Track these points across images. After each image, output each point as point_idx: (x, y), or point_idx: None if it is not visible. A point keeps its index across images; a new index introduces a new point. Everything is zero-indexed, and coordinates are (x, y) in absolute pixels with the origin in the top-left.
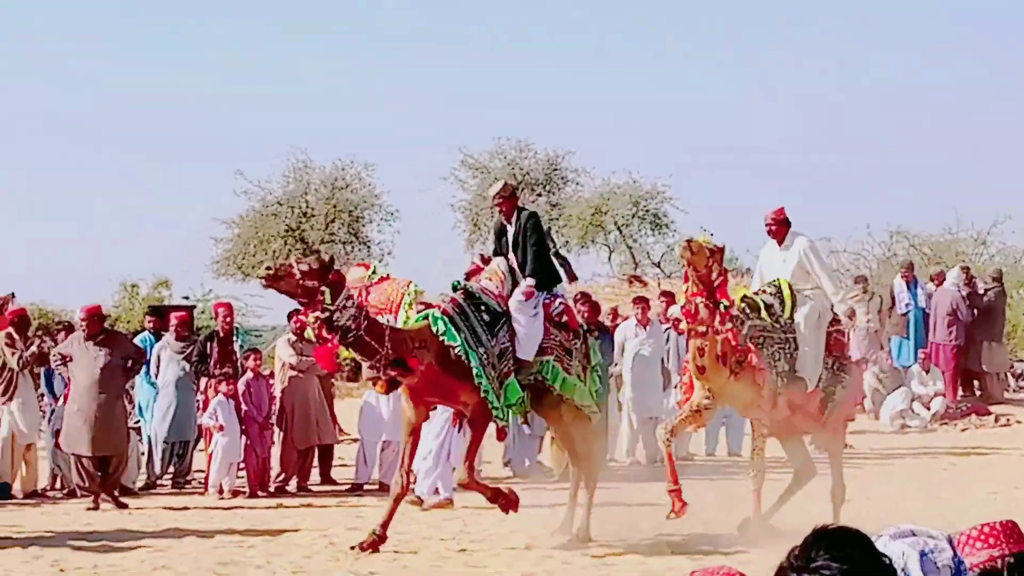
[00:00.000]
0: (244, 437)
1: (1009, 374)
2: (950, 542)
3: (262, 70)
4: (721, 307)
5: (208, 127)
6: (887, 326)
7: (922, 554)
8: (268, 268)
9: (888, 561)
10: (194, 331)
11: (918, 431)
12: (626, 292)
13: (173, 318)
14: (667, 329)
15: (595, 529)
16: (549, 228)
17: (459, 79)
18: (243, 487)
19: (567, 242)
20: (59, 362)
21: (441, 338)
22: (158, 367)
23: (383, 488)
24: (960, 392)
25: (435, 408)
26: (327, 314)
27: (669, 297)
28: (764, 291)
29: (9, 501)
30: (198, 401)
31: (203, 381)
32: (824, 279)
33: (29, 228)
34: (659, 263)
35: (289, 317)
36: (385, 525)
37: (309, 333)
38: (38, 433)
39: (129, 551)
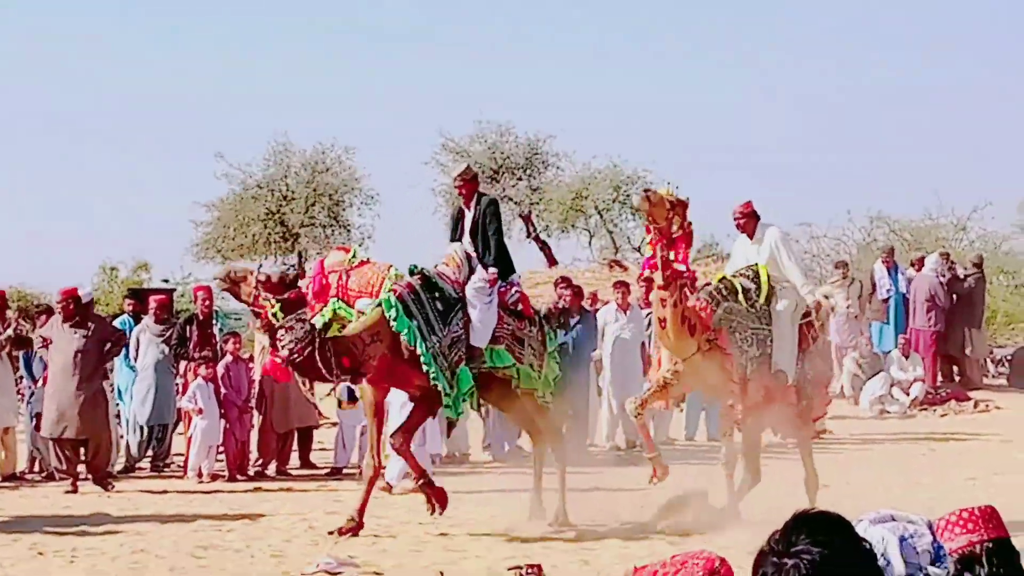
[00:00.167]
0: (223, 421)
1: (988, 360)
2: (930, 527)
3: (243, 54)
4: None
5: (188, 110)
6: (867, 311)
7: (902, 539)
8: (225, 271)
9: (868, 546)
10: (174, 314)
11: (897, 416)
12: (606, 277)
13: (153, 301)
14: (648, 314)
15: (575, 514)
16: (529, 212)
17: (440, 63)
18: (222, 471)
19: (547, 226)
20: (40, 345)
21: (392, 324)
22: (137, 350)
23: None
24: (939, 378)
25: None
26: (272, 332)
27: (649, 282)
28: (742, 274)
29: None
30: (177, 384)
31: (182, 364)
32: (793, 271)
33: (8, 211)
34: (639, 248)
35: None
36: (362, 511)
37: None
38: (16, 416)
39: (108, 534)
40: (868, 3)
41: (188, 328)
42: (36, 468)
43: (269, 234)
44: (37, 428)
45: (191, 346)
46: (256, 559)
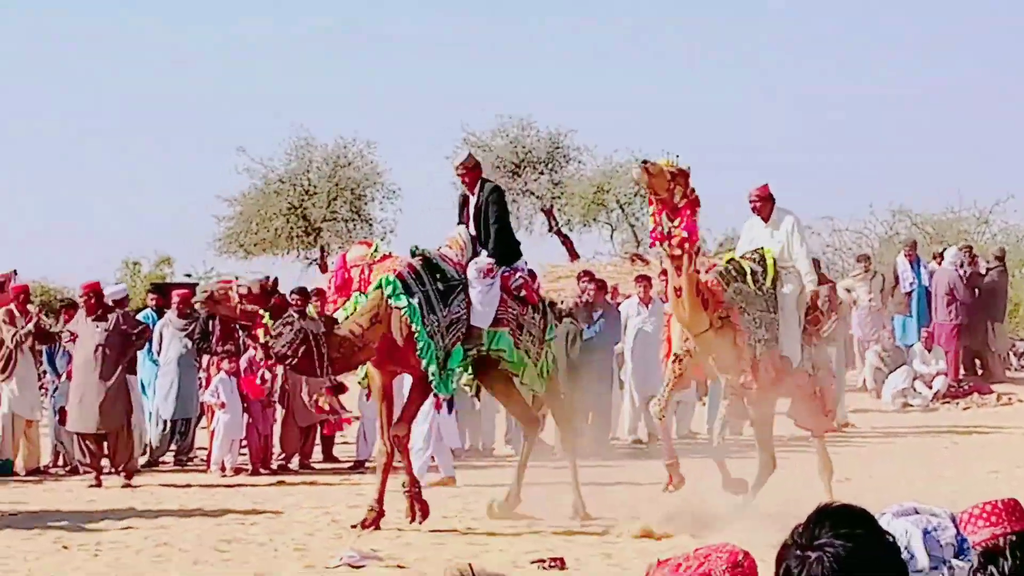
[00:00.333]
0: (246, 415)
1: (1011, 353)
2: (953, 520)
3: (264, 49)
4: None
5: (211, 105)
6: (890, 305)
7: (925, 532)
8: (205, 291)
9: (892, 539)
10: (196, 309)
11: (920, 410)
12: (628, 270)
13: (175, 296)
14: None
15: (597, 507)
16: (551, 206)
17: (462, 57)
18: (245, 464)
19: (569, 220)
20: (67, 340)
21: (388, 300)
22: (160, 345)
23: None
24: (962, 371)
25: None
26: (266, 344)
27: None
28: (748, 257)
29: (12, 478)
30: (200, 379)
31: (205, 358)
32: (802, 260)
33: (32, 206)
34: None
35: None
36: (380, 498)
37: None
38: (40, 410)
39: (132, 528)
40: None
41: (211, 322)
42: (60, 462)
43: (291, 228)
44: (61, 422)
45: (214, 340)
46: (279, 553)
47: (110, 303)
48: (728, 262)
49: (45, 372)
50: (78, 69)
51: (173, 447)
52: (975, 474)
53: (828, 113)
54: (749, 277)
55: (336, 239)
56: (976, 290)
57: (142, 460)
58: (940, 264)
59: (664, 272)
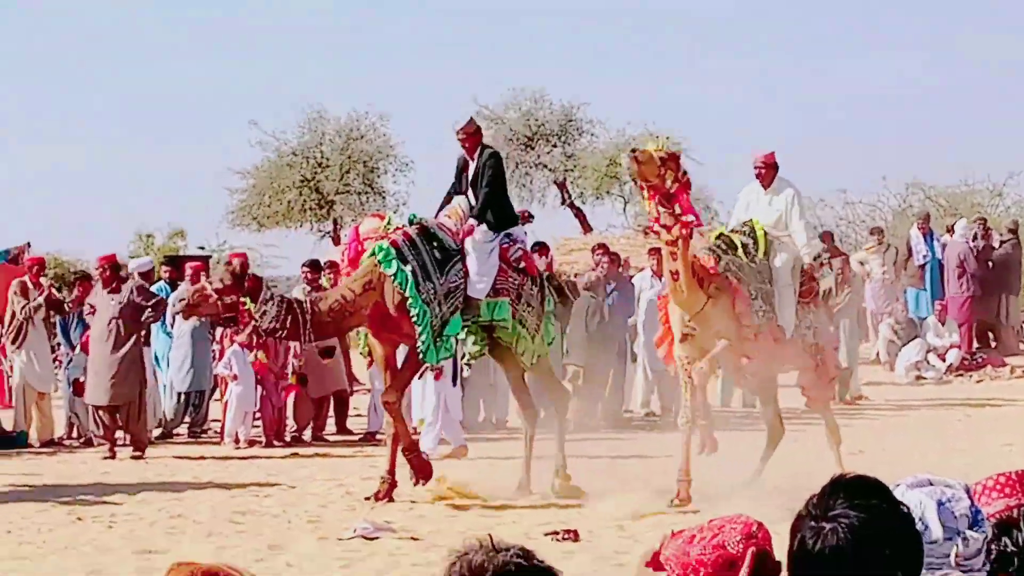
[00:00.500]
0: (259, 387)
1: None
2: (967, 492)
3: (276, 20)
4: (674, 214)
5: (223, 77)
6: (903, 278)
7: (939, 503)
8: (180, 300)
9: (906, 510)
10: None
11: (933, 383)
12: (641, 243)
13: (189, 268)
14: None
15: (610, 480)
16: (564, 179)
17: (474, 29)
18: (259, 437)
19: (582, 193)
20: (88, 312)
21: (379, 267)
22: (174, 317)
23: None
24: (975, 344)
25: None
26: (254, 325)
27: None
28: (738, 231)
29: (26, 449)
30: (214, 351)
31: (219, 331)
32: (799, 229)
33: (45, 179)
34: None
35: (304, 266)
36: (392, 470)
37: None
38: (53, 382)
39: (146, 500)
40: None
41: (255, 275)
42: (74, 434)
43: (304, 201)
44: (75, 394)
45: None
46: (293, 524)
47: (136, 275)
48: (718, 237)
49: (59, 344)
50: (91, 42)
51: (187, 419)
52: (988, 446)
53: (842, 86)
54: (740, 251)
55: (349, 212)
56: (989, 263)
57: (156, 432)
58: (952, 237)
59: (654, 251)
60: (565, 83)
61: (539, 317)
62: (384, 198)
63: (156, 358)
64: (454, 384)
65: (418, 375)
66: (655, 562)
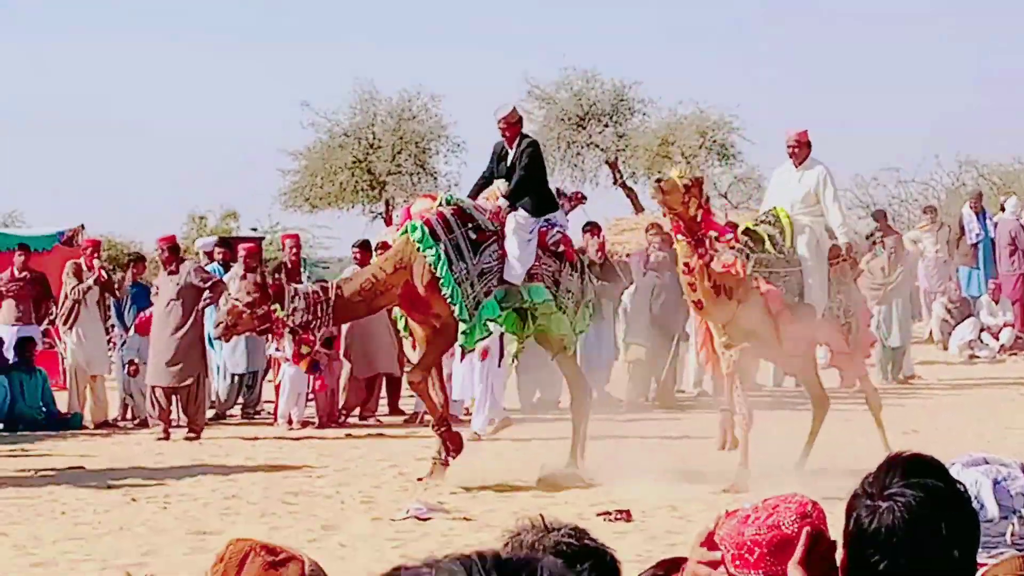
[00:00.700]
0: (326, 357)
1: None
2: (1023, 470)
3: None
4: (708, 240)
5: (275, 59)
6: (956, 256)
7: (995, 482)
8: (219, 324)
9: (963, 488)
10: (262, 263)
11: (987, 362)
12: None
13: (242, 249)
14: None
15: (663, 460)
16: (616, 159)
17: (526, 8)
18: (312, 418)
19: (633, 173)
20: (155, 293)
21: (416, 246)
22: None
23: (453, 419)
24: None
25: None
26: (291, 328)
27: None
28: (763, 222)
29: (81, 431)
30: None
31: None
32: (833, 210)
33: (99, 161)
34: (726, 194)
35: (354, 247)
36: (444, 449)
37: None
38: (107, 364)
39: (200, 481)
40: None
41: (276, 276)
42: (128, 415)
43: (356, 182)
44: (130, 375)
45: None
46: (346, 505)
47: (202, 254)
48: (744, 232)
49: (113, 326)
50: (145, 25)
51: (240, 400)
52: None
53: (894, 62)
54: (768, 243)
55: (401, 192)
56: None
57: (209, 414)
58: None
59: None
60: (617, 62)
61: (577, 304)
62: (436, 179)
63: (209, 339)
64: (499, 365)
65: (451, 355)
66: (709, 542)
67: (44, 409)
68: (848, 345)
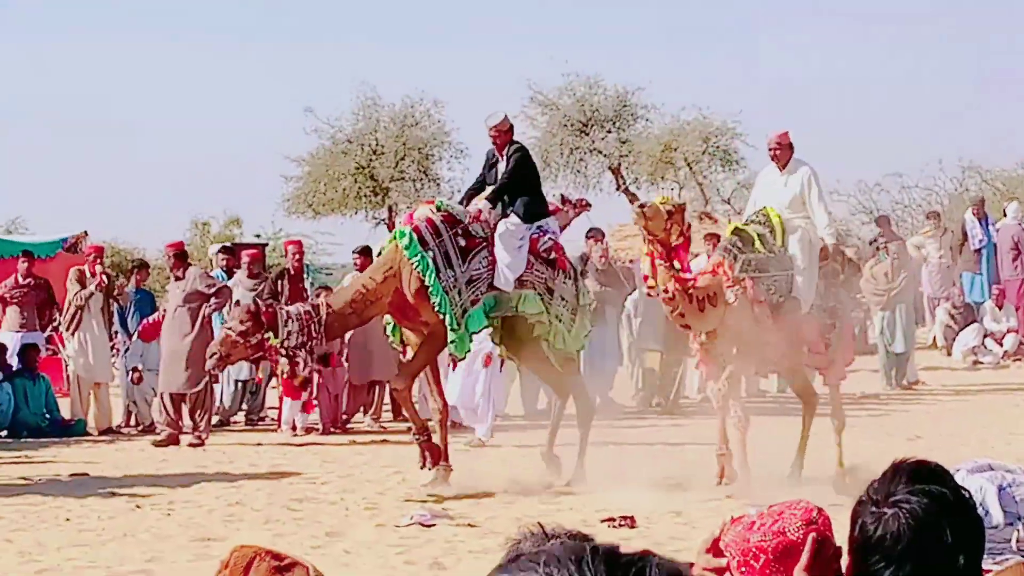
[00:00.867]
0: (316, 374)
1: None
2: None
3: (330, 7)
4: (674, 269)
5: (278, 65)
6: (959, 262)
7: (1000, 488)
8: (214, 354)
9: (968, 495)
10: (265, 268)
11: (991, 367)
12: (696, 229)
13: (245, 256)
14: None
15: (668, 467)
16: (618, 164)
17: (528, 14)
18: (316, 424)
19: (636, 179)
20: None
21: (404, 253)
22: (231, 305)
23: (453, 425)
24: None
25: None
26: (284, 353)
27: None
28: (753, 221)
29: (84, 438)
30: None
31: None
32: (818, 211)
33: (102, 167)
34: (729, 199)
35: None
36: (445, 455)
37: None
38: (110, 372)
39: (204, 488)
40: None
41: (279, 282)
42: (132, 422)
43: (359, 188)
44: (133, 383)
45: (283, 300)
46: (351, 512)
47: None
48: (733, 232)
49: (116, 332)
50: (148, 29)
51: (244, 407)
52: None
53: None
54: (758, 243)
55: (404, 199)
56: None
57: (213, 420)
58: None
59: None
60: (620, 68)
61: (573, 312)
62: (439, 185)
63: None
64: (500, 369)
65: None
66: (715, 548)
67: (48, 416)
68: (827, 346)
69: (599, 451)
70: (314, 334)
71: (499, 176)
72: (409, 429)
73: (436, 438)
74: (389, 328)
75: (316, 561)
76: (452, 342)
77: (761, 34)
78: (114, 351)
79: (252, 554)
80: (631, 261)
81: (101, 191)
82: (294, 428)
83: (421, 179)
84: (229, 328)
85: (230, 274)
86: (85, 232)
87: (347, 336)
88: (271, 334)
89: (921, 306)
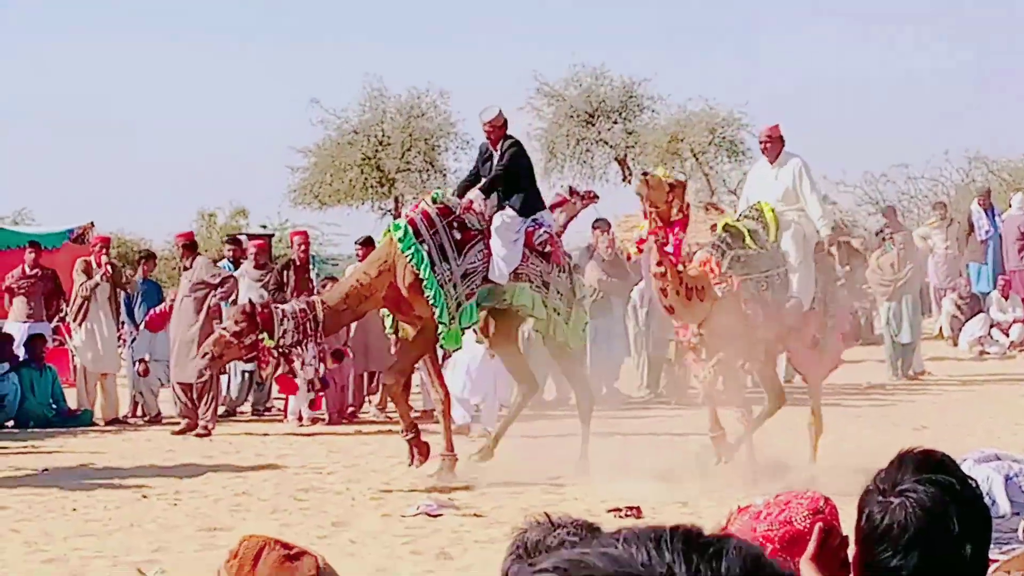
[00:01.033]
0: (322, 365)
1: None
2: None
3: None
4: (668, 246)
5: (284, 56)
6: (966, 253)
7: (1007, 478)
8: (207, 353)
9: (975, 484)
10: (272, 259)
11: (997, 357)
12: (702, 219)
13: (252, 246)
14: None
15: (671, 457)
16: (625, 156)
17: (534, 5)
18: (322, 414)
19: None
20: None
21: (399, 245)
22: (237, 295)
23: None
24: None
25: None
26: (278, 353)
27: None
28: (746, 216)
29: (91, 428)
30: None
31: None
32: (812, 202)
33: (108, 158)
34: (735, 190)
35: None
36: (450, 445)
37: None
38: (117, 362)
39: (210, 478)
40: None
41: (285, 273)
42: (139, 412)
43: (366, 179)
44: (140, 374)
45: (288, 291)
46: (357, 502)
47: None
48: (724, 228)
49: (123, 323)
50: (155, 20)
51: (250, 398)
52: None
53: (903, 59)
54: (748, 239)
55: (411, 189)
56: None
57: (220, 410)
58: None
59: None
60: (626, 59)
61: (569, 305)
62: (445, 176)
63: None
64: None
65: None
66: None
67: (54, 406)
68: (816, 342)
69: (604, 441)
70: (309, 332)
71: (494, 167)
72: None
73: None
74: (387, 319)
75: (322, 551)
76: (443, 336)
77: (766, 26)
78: (121, 341)
79: (261, 544)
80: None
81: (107, 183)
82: (300, 418)
83: (427, 170)
84: (224, 328)
85: (237, 264)
86: (92, 223)
87: (354, 327)
88: (265, 335)
89: (927, 296)
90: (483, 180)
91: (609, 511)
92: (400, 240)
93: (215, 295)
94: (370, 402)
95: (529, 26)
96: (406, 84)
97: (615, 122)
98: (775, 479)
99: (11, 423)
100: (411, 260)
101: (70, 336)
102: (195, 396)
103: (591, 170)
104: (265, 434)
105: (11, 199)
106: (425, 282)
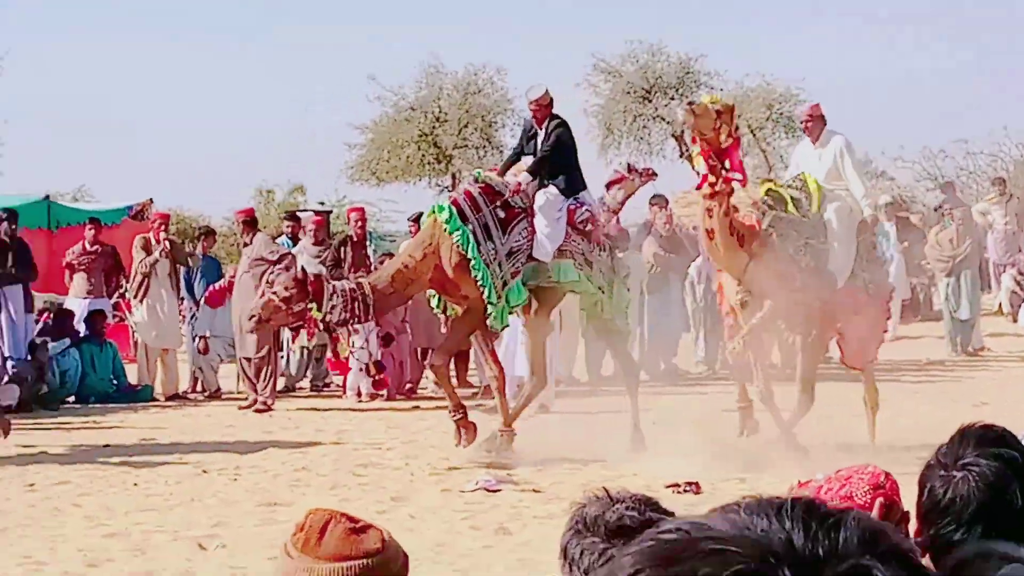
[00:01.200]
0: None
1: None
2: None
3: None
4: (723, 170)
5: (342, 33)
6: None
7: None
8: (252, 316)
9: None
10: (329, 235)
11: None
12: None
13: (310, 222)
14: None
15: (727, 434)
16: (682, 132)
17: None
18: (380, 391)
19: None
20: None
21: (444, 227)
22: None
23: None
24: None
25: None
26: (324, 327)
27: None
28: (789, 185)
29: (151, 404)
30: None
31: None
32: (854, 180)
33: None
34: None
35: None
36: (506, 419)
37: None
38: (178, 338)
39: (270, 454)
40: None
41: (343, 250)
42: (199, 388)
43: (423, 156)
44: (200, 351)
45: (346, 267)
46: (416, 477)
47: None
48: (766, 192)
49: (183, 299)
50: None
51: (309, 373)
52: None
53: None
54: (791, 205)
55: (467, 166)
56: None
57: (279, 386)
58: None
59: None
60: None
61: (611, 283)
62: (502, 152)
63: None
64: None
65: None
66: None
67: (115, 382)
68: (864, 322)
69: (663, 416)
70: (357, 312)
71: (538, 148)
72: (474, 395)
73: (496, 402)
74: (433, 299)
75: (382, 525)
76: (491, 315)
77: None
78: (181, 317)
79: (327, 517)
80: (694, 227)
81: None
82: (359, 394)
83: (484, 146)
84: (274, 292)
85: (295, 241)
86: (150, 199)
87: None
88: (314, 306)
89: (986, 272)
90: (531, 161)
91: (667, 486)
92: (446, 222)
93: (273, 272)
94: (427, 377)
95: (586, 2)
96: (463, 61)
97: (672, 98)
98: (834, 455)
99: (72, 398)
100: (457, 241)
101: (130, 312)
102: (253, 372)
103: (648, 146)
104: (325, 409)
105: (70, 177)
106: (472, 262)
